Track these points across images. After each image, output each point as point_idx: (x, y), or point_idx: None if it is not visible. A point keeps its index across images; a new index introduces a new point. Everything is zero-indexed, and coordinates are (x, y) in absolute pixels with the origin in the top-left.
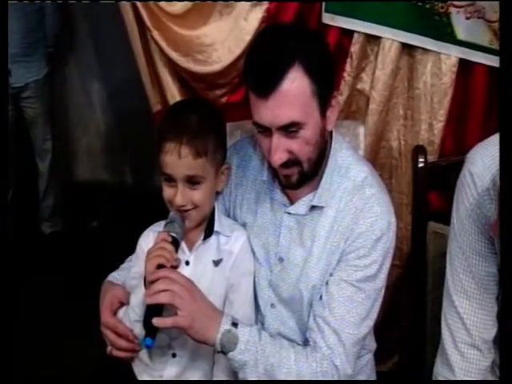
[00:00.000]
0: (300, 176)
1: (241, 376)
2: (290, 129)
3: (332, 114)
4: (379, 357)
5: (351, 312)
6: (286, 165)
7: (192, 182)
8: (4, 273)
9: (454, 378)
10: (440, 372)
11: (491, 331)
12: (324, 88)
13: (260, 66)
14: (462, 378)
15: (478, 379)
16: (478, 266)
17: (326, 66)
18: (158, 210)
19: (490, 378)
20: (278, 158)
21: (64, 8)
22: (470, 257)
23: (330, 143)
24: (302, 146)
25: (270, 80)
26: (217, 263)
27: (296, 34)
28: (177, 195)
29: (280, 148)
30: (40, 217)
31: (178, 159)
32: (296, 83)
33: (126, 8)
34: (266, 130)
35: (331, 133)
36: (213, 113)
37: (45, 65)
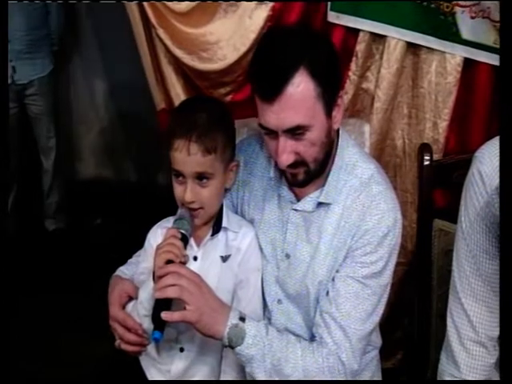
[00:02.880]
0: (306, 175)
1: (248, 370)
2: (296, 132)
3: (338, 113)
4: (384, 353)
5: (357, 308)
6: (292, 165)
7: (201, 178)
8: (6, 269)
9: (459, 375)
10: (445, 369)
11: (497, 329)
12: (329, 90)
13: (265, 71)
14: (467, 374)
15: (484, 376)
16: (485, 264)
17: (332, 68)
18: (161, 207)
19: (495, 374)
20: (285, 159)
21: (68, 6)
22: (477, 255)
23: (337, 141)
24: (308, 148)
25: (274, 85)
26: (225, 259)
27: (301, 36)
28: (186, 192)
29: (287, 150)
30: (44, 214)
31: (188, 156)
32: (301, 87)
33: (132, 6)
34: (273, 133)
35: (338, 131)
36: (222, 110)
37: (49, 62)
